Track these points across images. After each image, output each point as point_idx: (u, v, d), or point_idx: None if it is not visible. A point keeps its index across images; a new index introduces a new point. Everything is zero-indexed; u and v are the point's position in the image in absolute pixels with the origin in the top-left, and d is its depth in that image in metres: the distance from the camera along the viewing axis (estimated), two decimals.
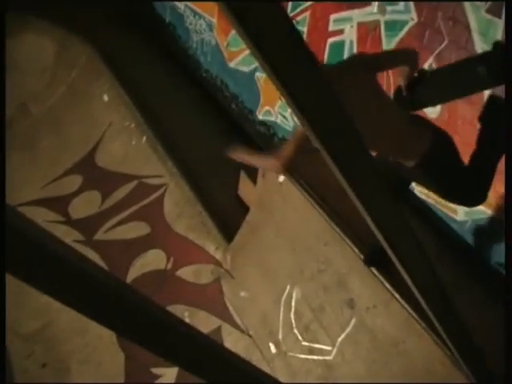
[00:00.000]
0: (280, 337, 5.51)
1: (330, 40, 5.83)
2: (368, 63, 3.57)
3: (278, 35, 1.04)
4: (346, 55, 5.64)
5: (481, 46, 4.30)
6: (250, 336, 5.81)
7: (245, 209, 6.44)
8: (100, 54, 8.81)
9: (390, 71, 5.03)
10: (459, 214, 5.02)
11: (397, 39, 5.04)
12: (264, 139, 7.42)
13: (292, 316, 5.40)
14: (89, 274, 1.38)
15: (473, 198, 4.09)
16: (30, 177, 8.26)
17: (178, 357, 1.76)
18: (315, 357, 5.19)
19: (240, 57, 7.41)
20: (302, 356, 5.30)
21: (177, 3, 8.69)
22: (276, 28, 1.03)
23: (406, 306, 4.51)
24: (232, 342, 5.88)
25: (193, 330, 1.81)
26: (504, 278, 4.03)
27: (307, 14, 6.06)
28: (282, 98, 1.26)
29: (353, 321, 4.96)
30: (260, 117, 7.41)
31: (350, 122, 1.40)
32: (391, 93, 4.27)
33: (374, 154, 3.75)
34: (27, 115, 9.09)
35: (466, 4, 4.31)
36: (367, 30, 5.35)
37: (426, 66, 4.82)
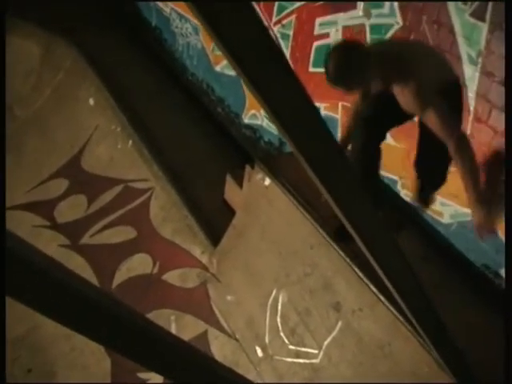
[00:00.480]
0: (266, 340, 5.50)
1: (316, 43, 5.84)
2: None
3: (248, 38, 1.04)
4: None
5: (465, 50, 4.32)
6: (236, 340, 5.80)
7: (231, 212, 6.43)
8: (86, 57, 8.78)
9: None
10: (445, 217, 5.04)
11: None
12: (250, 142, 7.42)
13: (278, 319, 5.40)
14: (74, 288, 1.37)
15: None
16: (15, 181, 8.21)
17: (163, 367, 1.75)
18: (302, 360, 5.19)
19: (226, 60, 7.40)
20: (289, 359, 5.30)
21: (163, 6, 8.68)
22: (247, 31, 1.03)
23: (392, 308, 4.52)
24: (218, 345, 5.87)
25: (178, 341, 1.80)
26: (504, 286, 4.03)
27: (293, 17, 6.07)
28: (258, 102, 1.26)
29: (339, 324, 4.96)
30: (246, 120, 7.41)
31: (326, 126, 1.40)
32: None
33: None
34: (12, 118, 9.05)
35: (451, 7, 4.33)
36: (352, 34, 5.37)
37: None
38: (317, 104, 5.72)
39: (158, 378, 5.81)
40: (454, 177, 4.64)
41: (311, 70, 5.92)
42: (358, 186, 1.63)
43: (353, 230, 1.74)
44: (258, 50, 1.08)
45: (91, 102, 8.49)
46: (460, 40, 4.36)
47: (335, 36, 5.57)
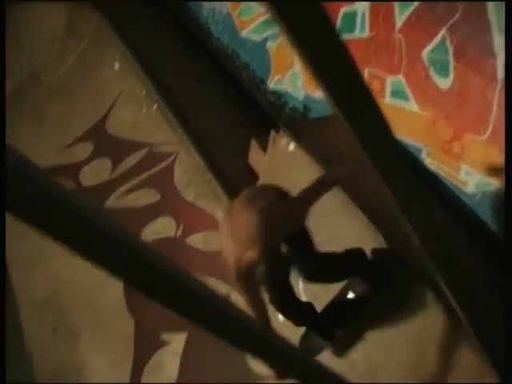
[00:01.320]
0: None
1: (343, 10, 5.79)
2: None
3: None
4: (358, 26, 5.61)
5: (495, 20, 4.28)
6: None
7: (255, 177, 6.45)
8: (110, 23, 8.79)
9: None
10: (469, 186, 5.02)
11: (410, 9, 5.01)
12: (275, 108, 7.41)
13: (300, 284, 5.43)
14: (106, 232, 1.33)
15: None
16: (40, 145, 8.29)
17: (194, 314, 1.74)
18: None
19: (251, 26, 7.37)
20: None
21: None
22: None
23: None
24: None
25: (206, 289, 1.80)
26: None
27: None
28: (296, 65, 1.29)
29: None
30: (271, 86, 7.39)
31: (369, 90, 1.42)
32: None
33: None
34: (38, 84, 9.12)
35: None
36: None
37: (438, 38, 4.80)
38: None
39: (180, 340, 5.90)
40: (480, 146, 4.64)
41: None
42: (398, 147, 1.64)
43: (389, 191, 1.75)
44: (312, 22, 1.18)
45: (116, 66, 8.52)
46: (490, 9, 4.31)
47: (363, 2, 5.52)
